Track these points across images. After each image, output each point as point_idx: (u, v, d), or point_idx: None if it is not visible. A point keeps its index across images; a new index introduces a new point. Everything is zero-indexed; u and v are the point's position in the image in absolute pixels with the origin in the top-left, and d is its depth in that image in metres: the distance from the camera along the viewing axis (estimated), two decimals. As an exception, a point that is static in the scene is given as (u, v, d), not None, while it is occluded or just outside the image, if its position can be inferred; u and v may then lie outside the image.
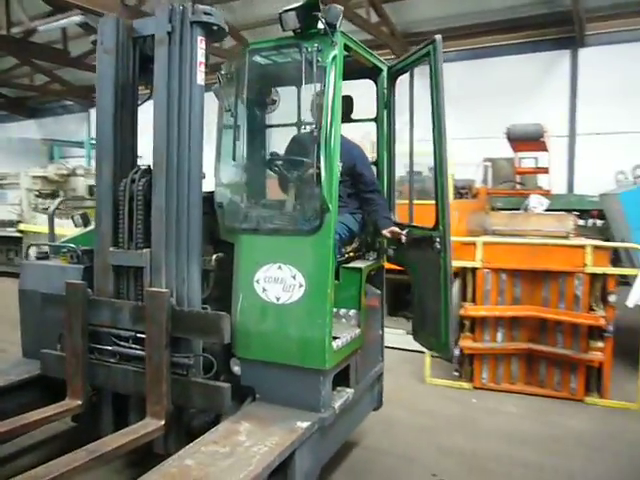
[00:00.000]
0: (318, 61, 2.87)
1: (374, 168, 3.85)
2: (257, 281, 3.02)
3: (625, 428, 4.37)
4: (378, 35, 12.11)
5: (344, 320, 3.44)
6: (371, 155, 4.01)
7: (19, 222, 11.86)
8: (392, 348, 5.41)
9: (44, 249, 3.92)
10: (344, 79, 2.99)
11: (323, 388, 2.94)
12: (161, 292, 3.04)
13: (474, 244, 5.11)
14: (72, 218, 4.12)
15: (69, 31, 13.87)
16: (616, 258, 6.39)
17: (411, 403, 4.82)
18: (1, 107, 21.67)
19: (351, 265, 3.53)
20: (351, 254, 3.74)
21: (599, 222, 9.79)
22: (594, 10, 11.73)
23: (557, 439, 4.14)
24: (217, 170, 3.35)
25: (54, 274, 3.61)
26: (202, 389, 3.00)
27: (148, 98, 3.54)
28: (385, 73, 3.80)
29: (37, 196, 12.12)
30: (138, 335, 3.17)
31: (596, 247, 4.83)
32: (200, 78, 3.14)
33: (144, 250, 3.17)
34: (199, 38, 3.11)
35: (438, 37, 3.18)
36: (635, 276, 4.69)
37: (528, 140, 8.41)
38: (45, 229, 6.08)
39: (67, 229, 6.10)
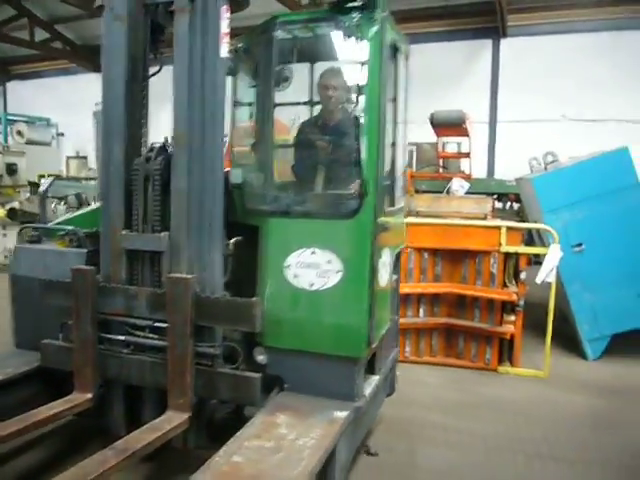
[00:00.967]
0: (358, 37, 2.73)
1: None
2: (288, 267, 2.88)
3: (534, 394, 4.68)
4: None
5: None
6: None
7: None
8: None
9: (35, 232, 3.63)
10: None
11: (358, 377, 2.86)
12: (185, 278, 2.86)
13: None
14: (65, 198, 3.82)
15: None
16: (530, 239, 6.87)
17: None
18: None
19: None
20: None
21: (516, 205, 10.42)
22: (517, 2, 12.06)
23: (473, 405, 4.39)
24: (232, 149, 3.17)
25: (53, 259, 3.34)
26: (230, 380, 2.86)
27: (158, 71, 3.32)
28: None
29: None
30: (156, 324, 2.99)
31: (510, 228, 5.07)
32: (224, 50, 2.94)
33: (162, 233, 2.97)
34: (224, 7, 2.91)
35: None
36: (545, 255, 4.98)
37: (451, 126, 8.64)
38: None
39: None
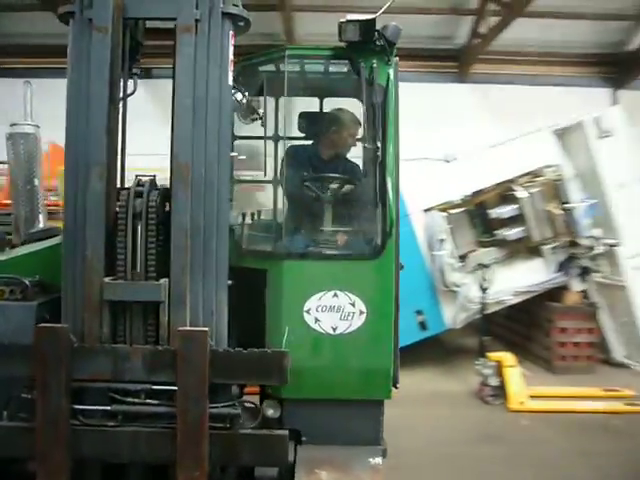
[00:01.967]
0: (371, 77, 2.75)
1: None
2: (308, 311, 2.71)
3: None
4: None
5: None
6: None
7: None
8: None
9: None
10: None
11: (381, 418, 2.80)
12: (201, 331, 2.51)
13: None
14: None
15: None
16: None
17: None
18: None
19: None
20: None
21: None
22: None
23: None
24: None
25: (-11, 316, 2.63)
26: (254, 441, 2.57)
27: (133, 92, 2.91)
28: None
29: None
30: (154, 387, 2.55)
31: None
32: (230, 78, 2.71)
33: (162, 280, 2.57)
34: (230, 32, 2.69)
35: None
36: None
37: None
38: None
39: None
